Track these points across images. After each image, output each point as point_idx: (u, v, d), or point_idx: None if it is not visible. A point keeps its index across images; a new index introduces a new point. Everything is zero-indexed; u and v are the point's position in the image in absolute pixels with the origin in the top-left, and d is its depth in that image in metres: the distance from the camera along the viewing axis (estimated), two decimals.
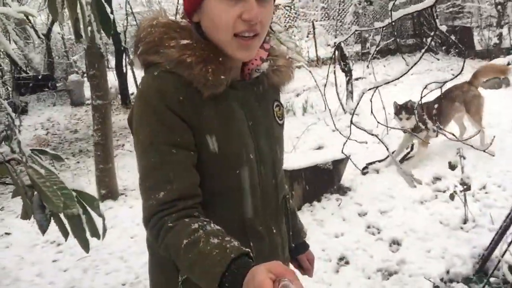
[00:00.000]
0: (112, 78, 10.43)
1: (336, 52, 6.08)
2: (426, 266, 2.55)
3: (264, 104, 1.05)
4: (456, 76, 1.58)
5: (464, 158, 2.85)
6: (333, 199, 3.63)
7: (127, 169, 5.40)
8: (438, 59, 9.40)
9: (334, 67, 6.48)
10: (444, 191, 3.47)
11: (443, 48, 10.00)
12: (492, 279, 1.98)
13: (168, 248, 0.85)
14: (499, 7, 7.71)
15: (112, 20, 1.67)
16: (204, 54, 0.89)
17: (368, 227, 3.17)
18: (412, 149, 4.39)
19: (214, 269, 0.75)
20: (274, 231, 1.07)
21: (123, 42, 8.91)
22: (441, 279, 2.22)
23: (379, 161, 4.24)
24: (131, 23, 9.79)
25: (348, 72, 6.15)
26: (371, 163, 4.19)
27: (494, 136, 2.44)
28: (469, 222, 2.93)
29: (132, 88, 10.22)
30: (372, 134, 1.68)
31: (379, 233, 3.08)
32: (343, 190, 3.78)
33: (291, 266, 1.27)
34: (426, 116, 3.88)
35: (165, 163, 0.88)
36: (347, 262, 2.78)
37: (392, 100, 6.20)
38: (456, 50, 9.39)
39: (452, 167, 2.87)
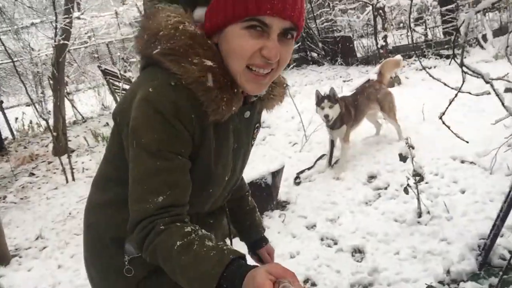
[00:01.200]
0: None
1: None
2: (403, 270, 2.32)
3: (250, 128, 1.07)
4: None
5: (413, 148, 2.72)
6: (275, 216, 3.28)
7: (16, 224, 4.44)
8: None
9: None
10: (386, 188, 3.35)
11: (328, 58, 10.48)
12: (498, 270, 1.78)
13: (157, 249, 0.84)
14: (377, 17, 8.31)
15: None
16: (223, 81, 0.89)
17: (322, 239, 2.87)
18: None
19: (213, 270, 0.75)
20: (211, 221, 1.12)
21: None
22: (441, 282, 1.97)
23: (308, 168, 4.03)
24: None
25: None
26: (301, 172, 3.96)
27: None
28: (424, 215, 2.80)
29: (4, 132, 8.86)
30: None
31: (336, 244, 2.79)
32: (282, 205, 3.46)
33: (252, 261, 1.33)
34: (344, 109, 3.79)
35: (168, 169, 0.88)
36: (313, 284, 2.43)
37: (293, 112, 6.21)
38: (341, 59, 9.86)
39: (403, 158, 2.71)
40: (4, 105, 12.18)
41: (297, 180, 3.83)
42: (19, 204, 5.06)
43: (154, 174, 0.88)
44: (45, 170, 6.29)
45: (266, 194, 3.29)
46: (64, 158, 6.14)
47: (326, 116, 3.71)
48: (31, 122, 9.25)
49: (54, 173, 6.01)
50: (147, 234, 0.86)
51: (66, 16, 6.45)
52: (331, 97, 3.77)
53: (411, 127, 4.42)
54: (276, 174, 3.37)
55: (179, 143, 0.89)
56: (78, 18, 13.78)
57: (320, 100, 3.81)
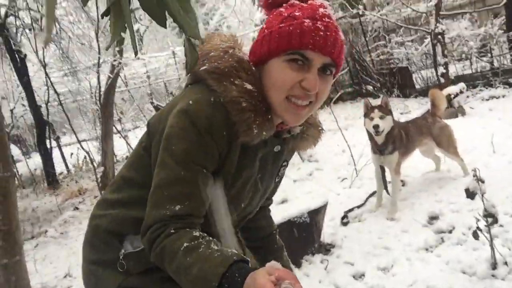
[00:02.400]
0: (36, 158, 9.30)
1: None
2: None
3: (276, 163, 1.08)
4: None
5: (483, 182, 2.21)
6: (317, 261, 2.82)
7: (49, 260, 4.30)
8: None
9: None
10: (450, 231, 2.80)
11: (384, 90, 9.96)
12: None
13: (164, 250, 0.87)
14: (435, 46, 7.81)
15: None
16: (258, 106, 0.92)
17: None
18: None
19: (215, 269, 0.77)
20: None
21: (45, 115, 7.95)
22: None
23: (358, 206, 3.55)
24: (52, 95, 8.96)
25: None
26: (349, 211, 3.49)
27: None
28: (499, 266, 2.25)
29: (60, 167, 9.12)
30: None
31: None
32: (325, 249, 3.00)
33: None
34: (396, 130, 3.30)
35: (191, 180, 0.91)
36: None
37: (345, 145, 5.76)
38: (398, 91, 9.32)
39: (471, 195, 2.21)
40: (65, 140, 12.75)
41: (344, 220, 3.36)
42: (58, 238, 4.96)
43: (176, 183, 0.90)
44: (90, 205, 6.24)
45: (306, 235, 2.86)
46: None
47: (376, 127, 3.13)
48: (85, 157, 9.46)
49: None
50: (157, 235, 0.89)
51: (118, 54, 6.52)
52: (383, 107, 3.20)
53: (480, 161, 3.83)
54: (318, 212, 2.94)
55: (207, 157, 0.92)
56: (138, 58, 14.35)
57: (369, 110, 3.26)
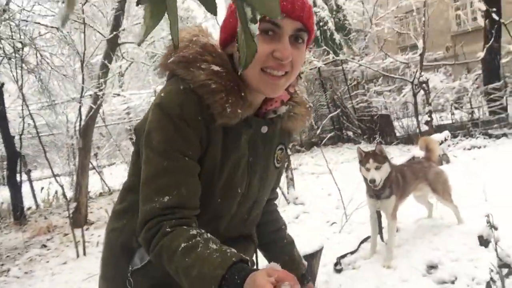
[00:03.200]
0: (3, 192, 8.80)
1: None
2: None
3: (269, 146, 1.07)
4: None
5: (496, 228, 2.09)
6: None
7: None
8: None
9: None
10: (453, 282, 2.64)
11: (364, 137, 10.03)
12: None
13: (162, 250, 0.86)
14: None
15: None
16: (229, 85, 0.92)
17: None
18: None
19: (214, 271, 0.76)
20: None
21: (18, 147, 7.58)
22: None
23: (351, 252, 3.37)
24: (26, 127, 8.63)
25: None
26: (342, 257, 3.30)
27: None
28: None
29: (28, 201, 8.63)
30: None
31: None
32: None
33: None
34: (393, 174, 3.16)
35: (175, 168, 0.91)
36: None
37: (330, 189, 5.64)
38: (380, 138, 9.39)
39: (485, 243, 2.08)
40: (36, 175, 12.21)
41: (337, 267, 3.17)
42: (21, 278, 4.54)
43: (161, 175, 0.90)
44: (59, 243, 5.83)
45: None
46: (80, 231, 5.70)
47: (373, 181, 2.99)
48: (56, 192, 9.02)
49: (67, 246, 5.54)
50: (153, 235, 0.87)
51: (98, 89, 6.35)
52: (378, 155, 3.04)
53: (472, 208, 3.75)
54: (313, 257, 2.75)
55: (186, 144, 0.91)
56: (118, 94, 14.18)
57: (364, 158, 3.11)
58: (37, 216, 8.05)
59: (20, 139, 7.74)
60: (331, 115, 9.20)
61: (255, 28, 0.67)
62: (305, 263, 1.33)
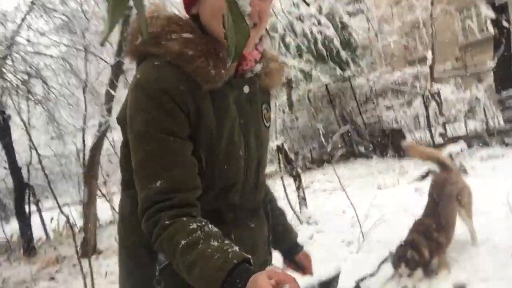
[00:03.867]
0: (14, 224, 8.73)
1: (280, 155, 5.29)
2: None
3: (254, 105, 1.05)
4: None
5: None
6: None
7: None
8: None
9: (280, 169, 5.66)
10: None
11: (377, 151, 9.82)
12: None
13: (163, 245, 0.84)
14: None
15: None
16: (205, 48, 0.90)
17: None
18: None
19: (216, 273, 0.75)
20: (252, 225, 1.06)
21: (26, 178, 7.53)
22: None
23: (371, 274, 3.16)
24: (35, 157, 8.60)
25: (297, 176, 5.31)
26: (362, 279, 3.09)
27: None
28: None
29: (38, 232, 8.53)
30: None
31: None
32: None
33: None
34: (424, 243, 2.83)
35: (162, 151, 0.87)
36: None
37: (347, 201, 5.42)
38: (391, 153, 9.17)
39: None
40: (48, 205, 12.15)
41: None
42: None
43: (149, 160, 0.87)
44: (67, 274, 5.68)
45: None
46: (91, 261, 5.53)
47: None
48: (67, 222, 8.91)
49: (76, 278, 5.35)
50: (153, 227, 0.85)
51: (102, 116, 6.28)
52: (410, 262, 2.76)
53: (496, 223, 3.53)
54: (330, 284, 2.55)
55: (170, 121, 0.87)
56: None
57: (394, 261, 2.88)
58: (47, 246, 7.93)
59: (28, 170, 7.70)
60: (341, 131, 9.02)
61: (245, 3, 0.53)
62: (296, 232, 1.36)
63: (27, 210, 7.66)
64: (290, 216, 5.28)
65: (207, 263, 0.77)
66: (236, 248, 0.80)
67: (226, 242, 0.82)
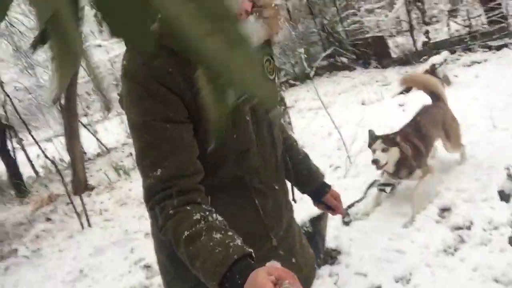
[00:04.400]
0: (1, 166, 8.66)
1: None
2: None
3: None
4: None
5: None
6: (325, 275, 2.53)
7: (22, 286, 3.88)
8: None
9: None
10: (469, 228, 2.53)
11: (360, 62, 9.67)
12: None
13: (167, 234, 0.85)
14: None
15: None
16: None
17: None
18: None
19: (216, 268, 0.76)
20: (276, 187, 1.08)
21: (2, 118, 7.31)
22: None
23: (359, 200, 3.25)
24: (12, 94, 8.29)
25: (281, 100, 5.24)
26: (349, 206, 3.18)
27: None
28: None
29: (27, 170, 8.52)
30: None
31: None
32: (331, 256, 2.70)
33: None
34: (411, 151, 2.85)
35: (160, 140, 0.87)
36: None
37: (330, 127, 5.43)
38: (376, 62, 9.03)
39: (506, 197, 1.92)
40: (31, 139, 11.98)
41: (346, 219, 3.06)
42: (31, 258, 4.51)
43: (147, 149, 0.88)
44: (63, 214, 5.77)
45: (311, 246, 2.55)
46: (83, 198, 5.60)
47: (375, 162, 2.79)
48: (54, 157, 8.86)
49: (71, 217, 5.45)
50: (157, 216, 0.86)
51: None
52: (388, 139, 2.85)
53: (481, 138, 3.59)
54: (320, 219, 2.63)
55: (164, 107, 0.86)
56: (99, 45, 13.53)
57: (372, 140, 2.93)
58: (38, 185, 7.97)
59: (5, 111, 7.46)
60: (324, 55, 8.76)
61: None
62: (323, 172, 1.32)
63: (11, 150, 7.54)
64: None
65: (208, 257, 0.78)
66: (238, 241, 0.80)
67: (229, 234, 0.81)
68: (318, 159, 4.53)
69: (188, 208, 0.85)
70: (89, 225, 4.92)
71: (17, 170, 7.72)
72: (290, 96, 8.15)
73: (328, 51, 9.34)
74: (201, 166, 0.92)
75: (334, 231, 2.93)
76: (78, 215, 4.89)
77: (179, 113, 0.89)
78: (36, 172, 8.81)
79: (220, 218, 0.86)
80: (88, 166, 7.88)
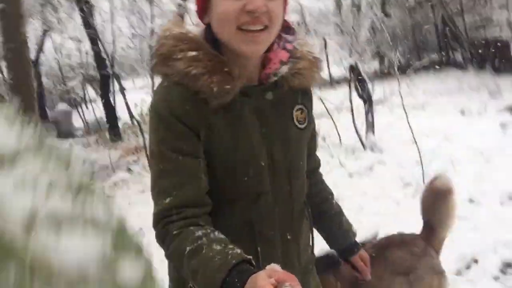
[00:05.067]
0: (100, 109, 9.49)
1: (352, 75, 4.92)
2: None
3: (282, 109, 1.03)
4: None
5: None
6: None
7: None
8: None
9: (350, 91, 5.33)
10: None
11: (473, 60, 8.77)
12: None
13: (173, 255, 0.89)
14: None
15: None
16: (209, 65, 0.91)
17: None
18: None
19: (215, 275, 0.77)
20: (289, 237, 1.05)
21: (109, 67, 7.92)
22: None
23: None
24: (122, 46, 8.88)
25: (367, 99, 4.98)
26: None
27: None
28: None
29: (125, 117, 9.24)
30: None
31: None
32: None
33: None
34: None
35: (172, 170, 0.91)
36: None
37: (421, 127, 5.04)
38: (489, 68, 8.13)
39: None
40: (138, 83, 12.83)
41: None
42: None
43: (160, 177, 0.92)
44: (142, 167, 6.21)
45: None
46: None
47: None
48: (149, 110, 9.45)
49: (148, 171, 5.83)
50: (163, 239, 0.89)
51: None
52: None
53: None
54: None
55: (180, 141, 0.91)
56: None
57: None
58: (131, 132, 8.62)
59: (112, 59, 8.06)
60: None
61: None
62: (355, 231, 1.28)
63: (111, 97, 8.19)
64: (353, 141, 5.08)
65: (208, 267, 0.80)
66: (237, 250, 0.81)
67: (230, 246, 0.83)
68: (391, 168, 4.31)
69: (191, 228, 0.88)
70: None
71: (115, 116, 8.40)
72: (385, 88, 7.67)
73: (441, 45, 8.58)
74: (210, 200, 0.94)
75: None
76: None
77: (195, 148, 0.92)
78: (132, 119, 9.51)
79: (222, 235, 0.88)
80: None
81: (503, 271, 2.49)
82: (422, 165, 3.85)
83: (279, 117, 1.02)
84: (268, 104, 1.00)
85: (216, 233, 0.88)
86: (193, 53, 0.92)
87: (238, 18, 0.87)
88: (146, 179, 5.52)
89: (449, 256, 2.69)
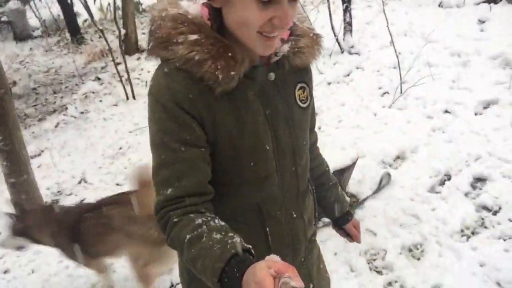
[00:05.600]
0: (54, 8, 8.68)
1: None
2: None
3: (284, 89, 1.02)
4: None
5: None
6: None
7: (67, 151, 4.24)
8: None
9: None
10: (495, 213, 2.42)
11: None
12: None
13: (173, 242, 0.88)
14: None
15: None
16: (213, 50, 0.88)
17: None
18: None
19: (214, 264, 0.77)
20: (295, 215, 1.08)
21: None
22: None
23: (372, 193, 2.98)
24: None
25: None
26: (362, 201, 2.76)
27: None
28: None
29: (84, 13, 8.55)
30: None
31: None
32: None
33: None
34: None
35: (174, 160, 0.90)
36: None
37: (399, 25, 4.87)
38: None
39: None
40: None
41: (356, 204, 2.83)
42: (78, 120, 4.84)
43: (161, 168, 0.90)
44: (111, 75, 5.95)
45: None
46: (131, 61, 5.68)
47: None
48: (109, 4, 8.74)
49: (118, 81, 5.61)
50: (164, 226, 0.90)
51: None
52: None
53: None
54: (344, 172, 2.58)
55: (182, 130, 0.89)
56: None
57: None
58: (93, 32, 8.06)
59: None
60: None
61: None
62: (348, 199, 1.36)
63: None
64: (332, 44, 4.91)
65: (207, 255, 0.80)
66: (237, 239, 0.82)
67: (230, 234, 0.83)
68: (369, 75, 4.27)
69: (191, 215, 0.88)
70: (134, 97, 5.09)
71: (73, 15, 7.76)
72: None
73: None
74: (212, 189, 0.94)
75: (359, 175, 2.90)
76: (124, 84, 5.03)
77: (196, 137, 0.90)
78: (91, 17, 8.85)
79: (222, 223, 0.88)
80: (139, 26, 7.78)
81: (473, 186, 2.67)
82: (400, 74, 3.82)
83: (282, 98, 1.01)
84: (270, 85, 0.98)
85: (216, 220, 0.88)
86: (195, 36, 0.88)
87: (262, 27, 0.85)
88: (118, 89, 5.36)
89: (425, 174, 2.86)
